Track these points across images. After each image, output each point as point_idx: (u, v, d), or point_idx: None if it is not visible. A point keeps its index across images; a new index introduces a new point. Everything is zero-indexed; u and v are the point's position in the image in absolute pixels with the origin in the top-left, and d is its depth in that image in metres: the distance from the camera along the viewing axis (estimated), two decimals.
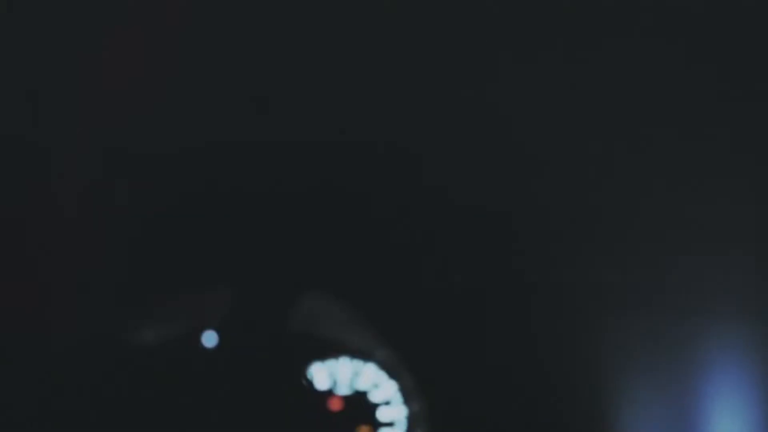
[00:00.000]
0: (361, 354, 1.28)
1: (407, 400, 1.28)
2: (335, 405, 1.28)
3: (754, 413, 1.37)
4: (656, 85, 1.15)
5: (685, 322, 1.44)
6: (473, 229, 1.27)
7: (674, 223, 1.31)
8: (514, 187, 1.26)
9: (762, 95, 1.15)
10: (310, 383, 1.28)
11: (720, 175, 1.25)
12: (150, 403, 1.23)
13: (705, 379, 1.39)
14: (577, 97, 1.18)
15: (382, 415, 1.28)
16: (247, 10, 1.11)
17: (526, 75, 1.17)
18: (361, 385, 1.29)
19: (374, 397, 1.28)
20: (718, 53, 1.14)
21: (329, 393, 1.28)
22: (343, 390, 1.28)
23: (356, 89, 1.20)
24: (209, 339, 1.26)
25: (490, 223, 1.26)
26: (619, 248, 1.33)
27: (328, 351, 1.28)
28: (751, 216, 1.29)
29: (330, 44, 1.14)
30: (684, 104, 1.15)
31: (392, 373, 1.28)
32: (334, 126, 1.20)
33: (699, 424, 1.37)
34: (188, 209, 1.22)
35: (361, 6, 1.10)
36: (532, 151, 1.24)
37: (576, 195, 1.26)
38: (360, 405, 1.28)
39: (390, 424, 1.28)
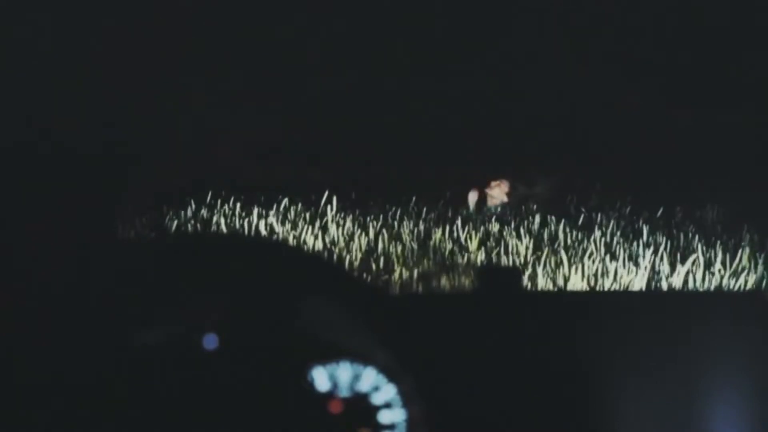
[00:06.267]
0: (362, 357, 1.29)
1: (407, 402, 1.28)
2: (335, 408, 1.28)
3: (753, 413, 1.37)
4: None
5: (681, 323, 1.44)
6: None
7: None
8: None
9: None
10: (310, 386, 1.28)
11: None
12: (151, 405, 1.24)
13: (704, 379, 1.39)
14: None
15: (382, 417, 1.28)
16: None
17: None
18: (362, 388, 1.29)
19: (374, 400, 1.29)
20: None
21: (330, 396, 1.28)
22: (343, 393, 1.28)
23: None
24: (210, 342, 1.26)
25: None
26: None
27: (328, 354, 1.28)
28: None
29: None
30: None
31: (392, 376, 1.28)
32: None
33: (698, 423, 1.38)
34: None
35: None
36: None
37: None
38: (360, 408, 1.28)
39: (390, 427, 1.28)
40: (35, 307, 1.23)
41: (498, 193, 5.07)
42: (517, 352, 1.37)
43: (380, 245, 4.18)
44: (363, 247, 4.18)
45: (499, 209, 4.99)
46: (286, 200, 4.78)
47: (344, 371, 1.28)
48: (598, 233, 4.37)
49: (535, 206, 4.82)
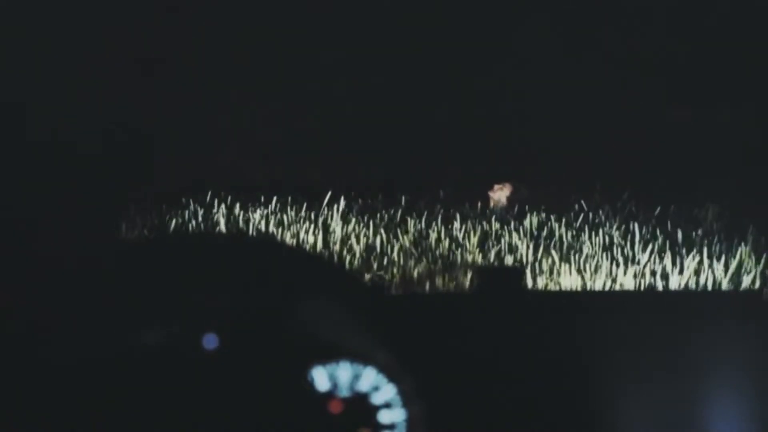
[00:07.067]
0: (362, 357, 1.29)
1: (407, 402, 1.28)
2: (335, 408, 1.28)
3: (753, 413, 1.37)
4: None
5: (681, 323, 1.44)
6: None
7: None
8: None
9: None
10: (310, 386, 1.28)
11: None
12: (151, 405, 1.24)
13: (704, 379, 1.39)
14: None
15: (382, 417, 1.29)
16: None
17: None
18: (362, 388, 1.29)
19: (374, 400, 1.29)
20: None
21: (330, 396, 1.28)
22: (343, 393, 1.29)
23: None
24: (210, 342, 1.26)
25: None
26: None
27: (328, 354, 1.28)
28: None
29: None
30: None
31: (392, 376, 1.28)
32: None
33: (698, 423, 1.38)
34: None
35: None
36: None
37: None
38: (360, 408, 1.28)
39: (390, 427, 1.28)
40: (35, 307, 1.23)
41: (500, 195, 5.09)
42: (517, 352, 1.37)
43: (380, 245, 4.18)
44: (363, 247, 4.18)
45: (499, 211, 5.00)
46: (287, 200, 4.78)
47: (344, 371, 1.28)
48: (597, 233, 4.37)
49: (543, 206, 4.83)
